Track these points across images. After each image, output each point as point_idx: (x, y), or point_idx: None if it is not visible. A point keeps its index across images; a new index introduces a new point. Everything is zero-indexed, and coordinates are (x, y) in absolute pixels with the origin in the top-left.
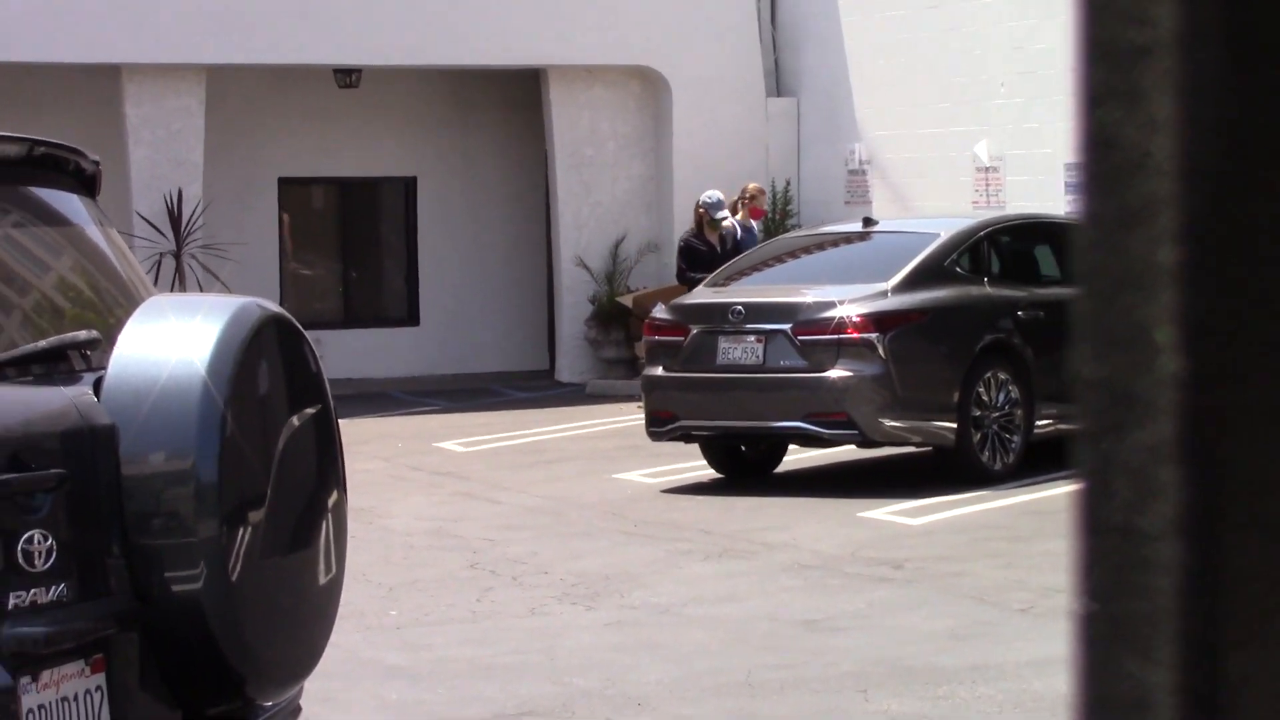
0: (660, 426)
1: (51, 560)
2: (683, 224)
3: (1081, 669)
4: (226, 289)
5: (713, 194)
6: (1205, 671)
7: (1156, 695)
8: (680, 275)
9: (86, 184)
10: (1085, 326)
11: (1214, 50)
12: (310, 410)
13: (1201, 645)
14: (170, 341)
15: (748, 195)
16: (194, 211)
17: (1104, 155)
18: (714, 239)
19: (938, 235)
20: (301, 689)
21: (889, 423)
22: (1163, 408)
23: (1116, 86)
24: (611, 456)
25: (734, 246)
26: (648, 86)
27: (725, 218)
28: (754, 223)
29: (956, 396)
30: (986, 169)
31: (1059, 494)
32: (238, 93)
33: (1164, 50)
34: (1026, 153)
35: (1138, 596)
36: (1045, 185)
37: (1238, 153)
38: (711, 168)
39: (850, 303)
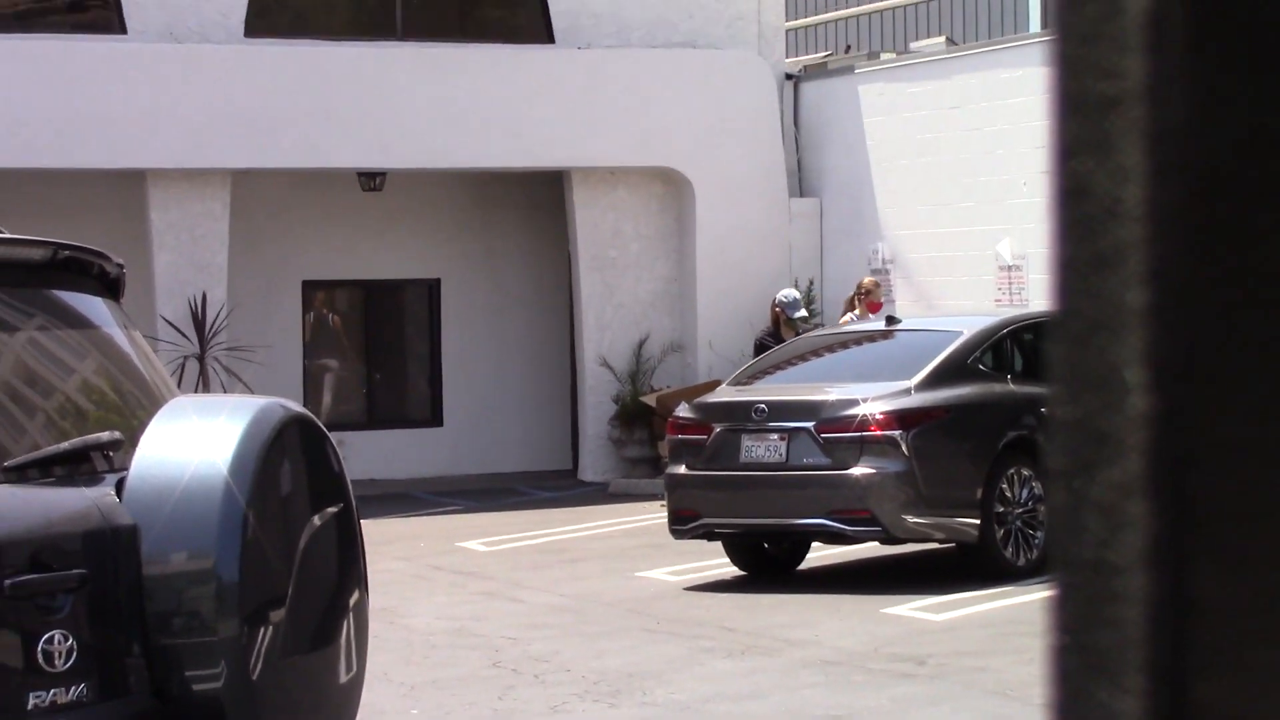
0: (683, 525)
1: (72, 660)
2: (706, 323)
3: (1054, 700)
4: (249, 390)
5: (790, 293)
6: (1172, 699)
7: None
8: None
9: (110, 287)
10: (1059, 369)
11: (1179, 100)
12: (332, 510)
13: (1168, 674)
14: (193, 442)
15: (863, 290)
16: (218, 315)
17: (1077, 203)
18: (790, 338)
19: (960, 333)
20: None
21: (912, 519)
22: (1132, 445)
23: (1088, 138)
24: (634, 555)
25: None
26: (670, 188)
27: (804, 317)
28: (872, 317)
29: (980, 493)
30: (1009, 267)
31: None
32: (262, 197)
33: (1132, 101)
34: (1049, 251)
35: (1108, 628)
36: None
37: (1203, 198)
38: (735, 268)
39: (873, 400)
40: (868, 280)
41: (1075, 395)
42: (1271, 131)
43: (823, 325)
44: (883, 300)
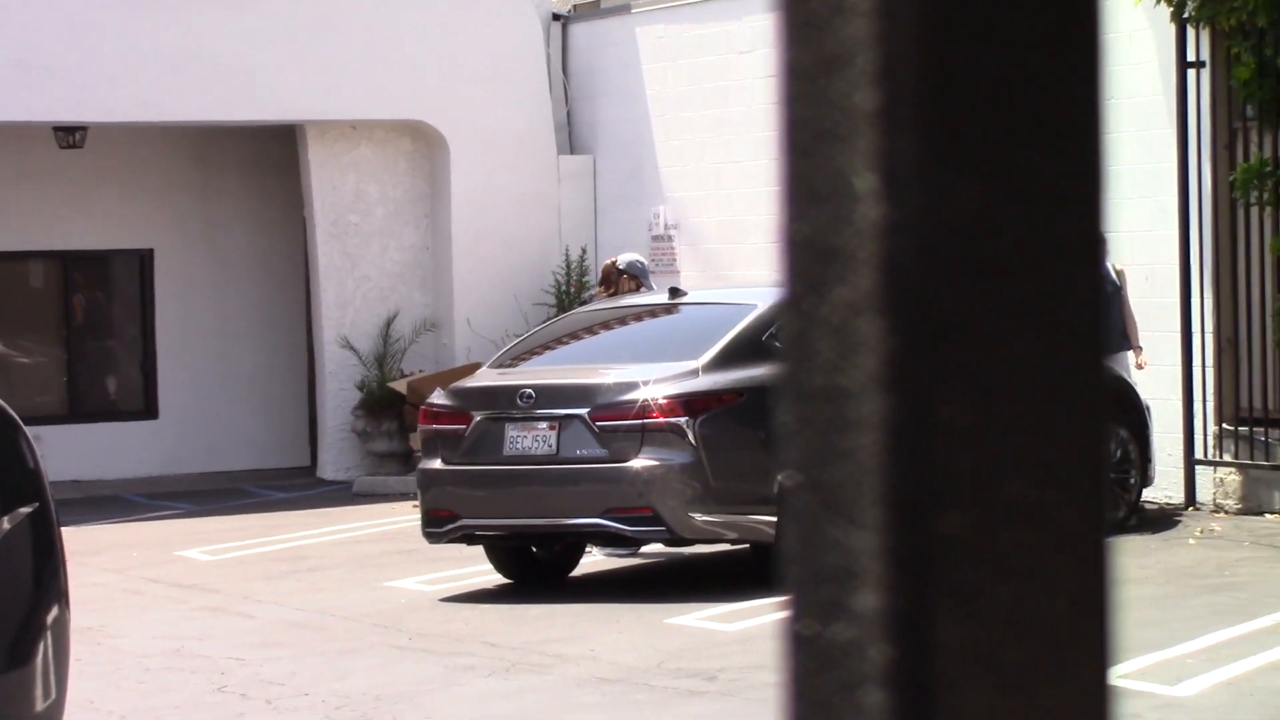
0: (439, 527)
1: None
2: (465, 298)
3: (791, 546)
4: None
5: (637, 259)
6: (912, 533)
7: (862, 561)
8: None
9: None
10: (786, 184)
11: None
12: (25, 511)
13: (907, 506)
14: None
15: None
16: None
17: (802, 2)
18: None
19: (754, 307)
20: None
21: (700, 517)
22: (863, 260)
23: None
24: (382, 563)
25: None
26: (421, 144)
27: (653, 288)
28: None
29: (777, 487)
30: None
31: None
32: None
33: None
34: (775, 57)
35: (841, 459)
36: None
37: None
38: (496, 235)
39: (655, 383)
40: None
41: (803, 211)
42: None
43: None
44: None
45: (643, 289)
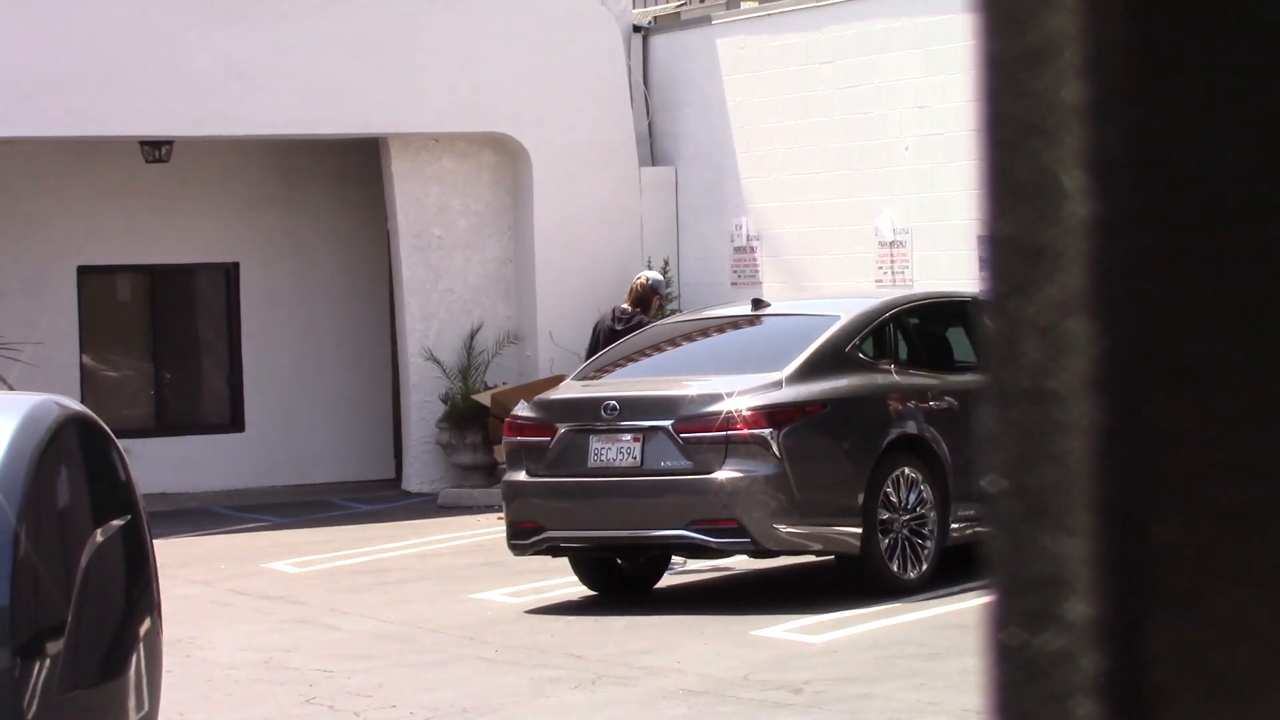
0: (524, 539)
1: None
2: (547, 310)
3: (994, 554)
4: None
5: (659, 275)
6: (1125, 539)
7: (1072, 567)
8: None
9: None
10: (990, 181)
11: None
12: (118, 523)
13: (1120, 511)
14: None
15: None
16: None
17: None
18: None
19: (837, 318)
20: None
21: (785, 529)
22: (1072, 258)
23: None
24: (468, 575)
25: None
26: (504, 156)
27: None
28: None
29: (861, 498)
30: (890, 243)
31: (977, 606)
32: (27, 170)
33: None
34: (934, 224)
35: (1049, 464)
36: (956, 260)
37: None
38: (579, 247)
39: (739, 395)
40: None
41: (1008, 208)
42: None
43: (679, 311)
44: None
45: (662, 306)
